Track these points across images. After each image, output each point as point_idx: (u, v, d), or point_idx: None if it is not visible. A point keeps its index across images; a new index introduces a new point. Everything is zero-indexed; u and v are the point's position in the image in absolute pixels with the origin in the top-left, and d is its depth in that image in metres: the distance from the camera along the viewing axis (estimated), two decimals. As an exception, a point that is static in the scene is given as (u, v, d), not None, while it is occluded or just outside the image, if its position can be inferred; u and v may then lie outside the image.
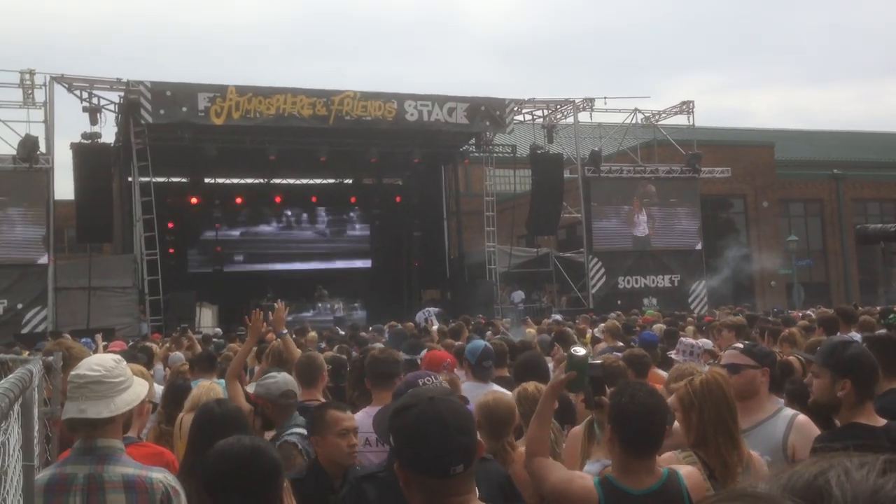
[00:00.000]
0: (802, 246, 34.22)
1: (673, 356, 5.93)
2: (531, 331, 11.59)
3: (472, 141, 28.00)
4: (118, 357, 3.19)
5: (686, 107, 29.95)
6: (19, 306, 21.54)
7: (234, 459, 2.63)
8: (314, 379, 5.24)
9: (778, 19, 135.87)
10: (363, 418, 4.30)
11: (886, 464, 0.75)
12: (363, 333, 13.38)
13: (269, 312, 6.97)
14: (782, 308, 23.93)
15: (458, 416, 2.08)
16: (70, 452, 3.01)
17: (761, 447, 3.54)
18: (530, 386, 4.39)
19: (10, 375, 2.74)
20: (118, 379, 3.01)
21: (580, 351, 3.32)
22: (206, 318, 24.41)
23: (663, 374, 6.73)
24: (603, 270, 28.11)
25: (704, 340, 8.53)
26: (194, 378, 7.22)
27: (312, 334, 13.25)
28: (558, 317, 17.88)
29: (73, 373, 3.03)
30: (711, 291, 29.60)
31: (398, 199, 33.49)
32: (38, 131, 22.27)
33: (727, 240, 34.44)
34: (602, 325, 12.03)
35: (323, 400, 5.11)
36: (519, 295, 28.18)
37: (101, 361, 3.05)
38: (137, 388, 3.12)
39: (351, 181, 33.57)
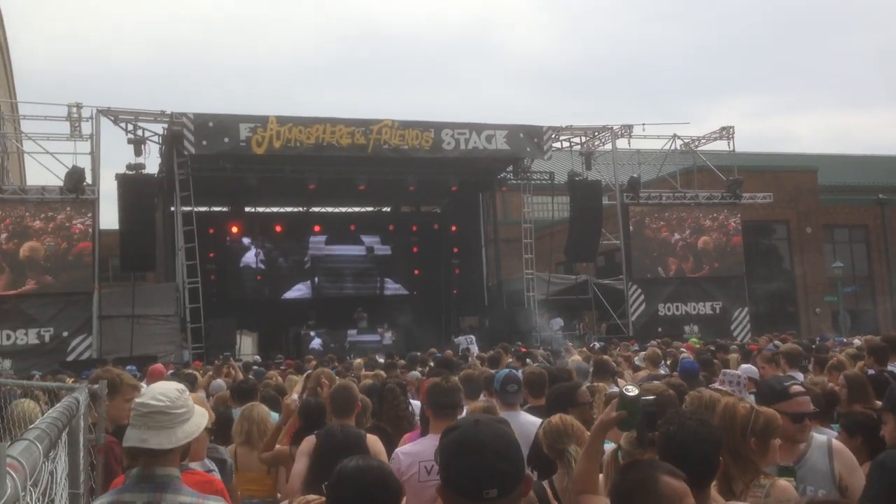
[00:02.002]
0: (848, 272, 33.65)
1: (718, 386, 5.84)
2: (576, 358, 11.48)
3: (510, 168, 28.04)
4: (181, 387, 3.21)
5: (726, 132, 29.73)
6: (65, 334, 21.89)
7: (363, 481, 2.66)
8: (347, 408, 5.22)
9: (818, 43, 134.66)
10: (427, 446, 4.30)
11: None
12: (401, 361, 13.37)
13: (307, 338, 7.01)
14: (828, 336, 23.46)
15: (499, 441, 2.05)
16: (128, 480, 3.04)
17: (814, 483, 3.52)
18: (555, 419, 4.32)
19: (58, 404, 2.79)
20: (181, 410, 3.03)
21: (632, 390, 3.27)
22: (247, 345, 24.63)
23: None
24: (643, 297, 27.86)
25: (746, 366, 8.40)
26: (236, 406, 7.27)
27: (358, 361, 13.26)
28: (597, 343, 17.71)
29: (137, 401, 3.05)
30: (754, 318, 29.17)
31: (436, 226, 33.60)
32: (85, 163, 22.78)
33: (770, 266, 33.99)
34: (642, 353, 11.92)
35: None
36: (557, 322, 28.01)
37: (165, 391, 3.06)
38: (198, 419, 3.14)
39: (389, 209, 33.81)
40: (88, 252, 22.56)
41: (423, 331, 28.59)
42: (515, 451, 2.11)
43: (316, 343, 26.03)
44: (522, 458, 2.11)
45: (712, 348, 13.85)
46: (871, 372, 6.89)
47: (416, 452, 4.49)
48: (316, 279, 31.34)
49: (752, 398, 5.70)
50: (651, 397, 3.47)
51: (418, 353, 15.32)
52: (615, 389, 7.66)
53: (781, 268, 35.64)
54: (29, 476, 1.50)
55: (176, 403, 3.02)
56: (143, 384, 10.75)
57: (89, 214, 22.73)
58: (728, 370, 6.51)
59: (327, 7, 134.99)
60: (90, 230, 22.66)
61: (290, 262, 31.09)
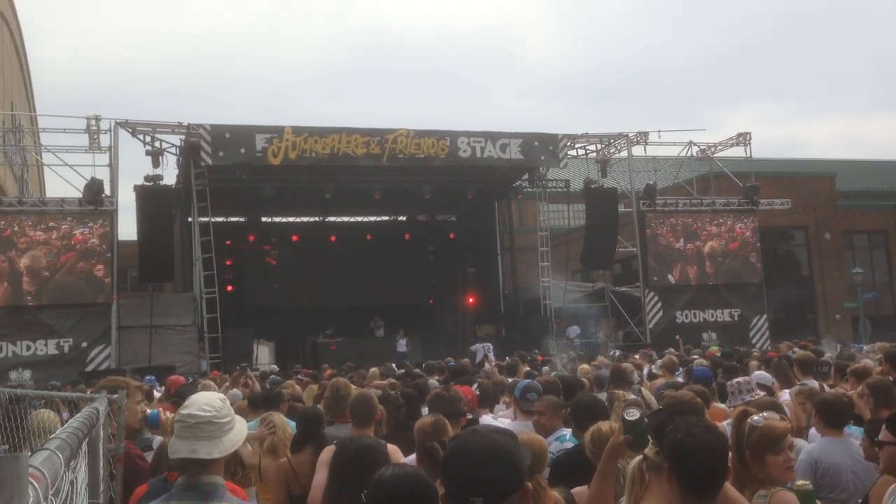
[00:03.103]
0: (867, 278, 33.40)
1: (726, 405, 5.77)
2: (585, 367, 11.45)
3: (526, 176, 28.02)
4: (223, 396, 3.25)
5: (743, 138, 29.58)
6: (84, 345, 22.02)
7: (402, 488, 2.67)
8: (366, 418, 5.23)
9: (834, 48, 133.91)
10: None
11: None
12: (416, 370, 13.37)
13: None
14: (848, 342, 23.25)
15: (488, 450, 2.06)
16: (174, 489, 3.08)
17: None
18: (605, 426, 4.34)
19: (79, 414, 2.82)
20: (226, 419, 3.08)
21: (633, 413, 3.26)
22: (264, 354, 24.73)
23: (724, 407, 6.59)
24: (660, 305, 27.71)
25: (759, 373, 8.31)
26: (253, 417, 7.29)
27: (373, 370, 13.28)
28: (617, 352, 17.64)
29: (183, 412, 3.08)
30: (773, 326, 28.96)
31: (452, 235, 33.61)
32: (103, 174, 22.91)
33: (789, 272, 33.74)
34: (659, 361, 11.86)
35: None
36: (574, 330, 27.92)
37: (210, 402, 3.09)
38: (240, 427, 3.19)
39: (405, 218, 33.85)
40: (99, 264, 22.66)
41: (439, 339, 28.61)
42: (506, 460, 2.09)
43: (402, 346, 26.19)
44: (516, 468, 2.08)
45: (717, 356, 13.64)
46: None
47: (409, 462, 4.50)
48: (331, 288, 31.35)
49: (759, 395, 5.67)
50: (657, 409, 3.46)
51: (435, 362, 15.32)
52: (632, 396, 7.66)
53: (800, 274, 35.38)
54: (50, 486, 1.52)
55: (221, 413, 3.07)
56: (157, 392, 10.83)
57: (98, 223, 22.83)
58: (735, 379, 6.43)
59: (341, 19, 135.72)
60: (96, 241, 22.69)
61: (306, 272, 31.14)
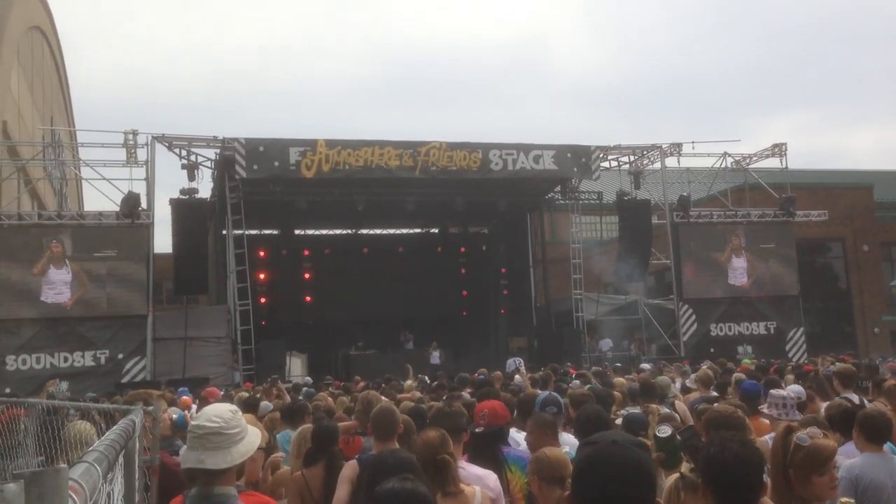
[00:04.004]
0: (907, 291, 32.77)
1: (765, 411, 5.64)
2: (620, 380, 11.34)
3: (558, 188, 27.95)
4: (234, 408, 3.29)
5: (778, 149, 29.27)
6: (120, 356, 22.29)
7: (391, 500, 2.69)
8: (388, 432, 5.21)
9: (870, 55, 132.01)
10: None
11: None
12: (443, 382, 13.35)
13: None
14: (886, 356, 22.83)
15: (627, 464, 2.10)
16: (187, 500, 3.13)
17: None
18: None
19: (116, 426, 2.85)
20: (235, 430, 3.11)
21: (665, 430, 3.23)
22: (296, 366, 24.83)
23: (766, 421, 6.47)
24: (694, 318, 27.43)
25: (793, 387, 8.16)
26: (283, 428, 7.33)
27: (409, 382, 13.29)
28: (647, 366, 17.47)
29: (193, 423, 3.15)
30: (810, 339, 28.53)
31: (484, 247, 33.62)
32: (140, 188, 23.22)
33: (826, 285, 33.25)
34: (693, 375, 11.71)
35: None
36: (607, 343, 27.74)
37: (219, 413, 3.14)
38: (252, 439, 3.21)
39: (437, 231, 33.92)
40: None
41: (471, 351, 28.56)
42: (644, 475, 2.13)
43: (435, 358, 26.21)
44: (651, 484, 2.13)
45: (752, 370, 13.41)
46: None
47: None
48: (363, 301, 31.46)
49: (799, 418, 5.57)
50: (688, 425, 3.41)
51: (467, 375, 15.28)
52: (666, 411, 7.58)
53: (837, 287, 34.85)
54: (89, 498, 1.54)
55: (230, 424, 3.10)
56: (186, 403, 10.92)
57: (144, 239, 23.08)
58: (774, 391, 6.31)
59: (376, 32, 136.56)
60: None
61: (339, 284, 31.30)
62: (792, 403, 5.68)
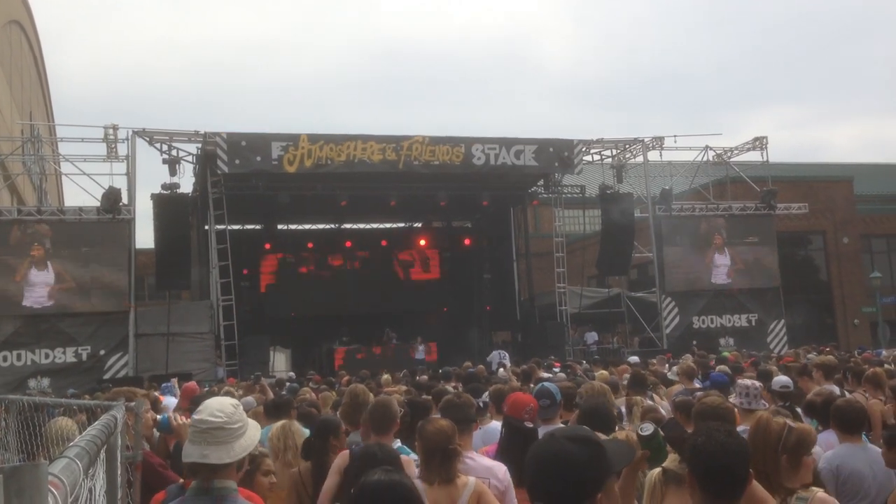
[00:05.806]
0: (886, 283, 33.11)
1: (732, 400, 5.68)
2: (603, 373, 11.39)
3: (541, 182, 27.97)
4: (236, 402, 3.29)
5: (759, 143, 29.43)
6: (101, 352, 22.13)
7: (387, 493, 2.69)
8: (385, 426, 5.16)
9: (850, 50, 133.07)
10: None
11: None
12: (423, 377, 13.40)
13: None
14: (865, 347, 23.05)
15: (552, 458, 2.23)
16: (188, 493, 3.14)
17: None
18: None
19: (97, 422, 2.84)
20: (237, 425, 3.12)
21: (647, 429, 3.24)
22: (280, 362, 24.81)
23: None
24: (677, 310, 27.58)
25: (779, 378, 8.23)
26: (267, 423, 7.29)
27: (386, 377, 13.28)
28: (635, 359, 17.54)
29: (195, 417, 3.14)
30: (791, 331, 28.75)
31: (468, 241, 33.62)
32: (121, 183, 23.01)
33: (806, 277, 33.50)
34: (675, 367, 11.78)
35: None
36: (591, 336, 27.85)
37: (222, 408, 3.13)
38: (252, 433, 3.22)
39: (420, 225, 33.90)
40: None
41: (455, 346, 28.58)
42: (569, 469, 2.21)
43: (420, 353, 26.32)
44: (579, 478, 2.20)
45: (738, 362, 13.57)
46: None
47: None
48: (346, 295, 31.42)
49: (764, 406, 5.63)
50: (668, 418, 3.44)
51: (451, 369, 15.32)
52: (650, 403, 7.62)
53: (818, 279, 35.15)
54: (69, 493, 1.52)
55: (233, 419, 3.11)
56: (166, 400, 10.86)
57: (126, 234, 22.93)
58: (742, 381, 6.35)
59: (359, 27, 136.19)
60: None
61: (322, 279, 31.22)
62: (756, 393, 5.72)
